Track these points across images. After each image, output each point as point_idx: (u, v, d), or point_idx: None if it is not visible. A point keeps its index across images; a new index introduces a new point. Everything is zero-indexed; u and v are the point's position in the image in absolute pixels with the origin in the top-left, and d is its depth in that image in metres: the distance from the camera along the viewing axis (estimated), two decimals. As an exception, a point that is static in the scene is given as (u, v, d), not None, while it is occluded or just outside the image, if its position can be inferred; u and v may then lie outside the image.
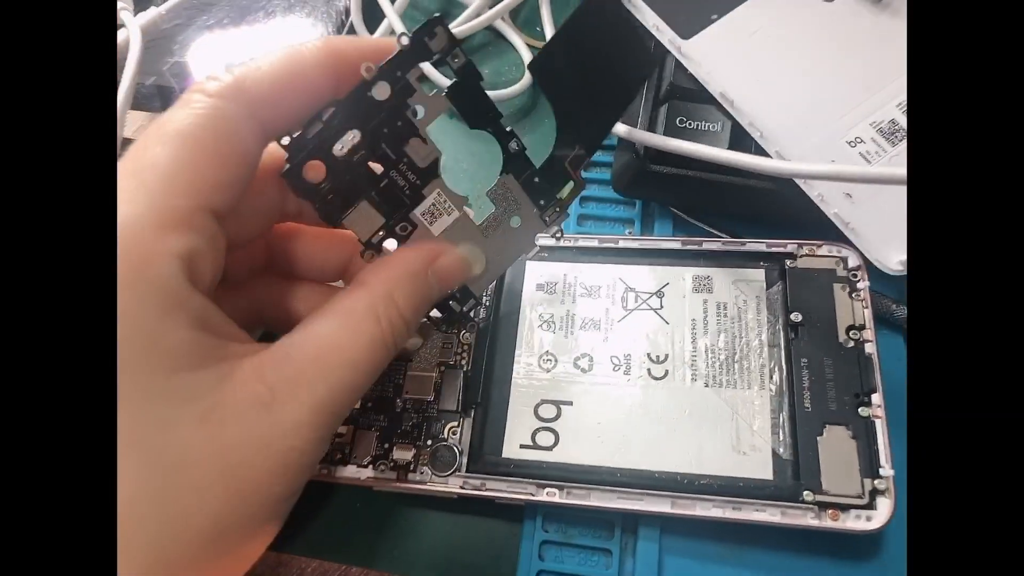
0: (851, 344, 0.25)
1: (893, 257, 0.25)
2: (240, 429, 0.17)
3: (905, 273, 0.25)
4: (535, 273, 0.28)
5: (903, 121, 0.27)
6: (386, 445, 0.26)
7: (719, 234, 0.28)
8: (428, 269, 0.22)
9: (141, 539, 0.16)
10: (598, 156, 0.31)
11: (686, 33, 0.29)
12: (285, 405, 0.18)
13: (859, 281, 0.26)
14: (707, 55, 0.28)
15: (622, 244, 0.28)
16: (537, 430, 0.25)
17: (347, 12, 0.35)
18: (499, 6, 0.34)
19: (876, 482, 0.23)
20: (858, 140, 0.27)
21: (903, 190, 0.26)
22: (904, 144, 0.26)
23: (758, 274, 0.27)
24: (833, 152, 0.26)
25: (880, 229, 0.26)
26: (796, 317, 0.26)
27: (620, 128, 0.28)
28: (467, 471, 0.25)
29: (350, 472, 0.25)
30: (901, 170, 0.22)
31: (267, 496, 0.18)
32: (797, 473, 0.23)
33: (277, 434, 0.18)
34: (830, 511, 0.23)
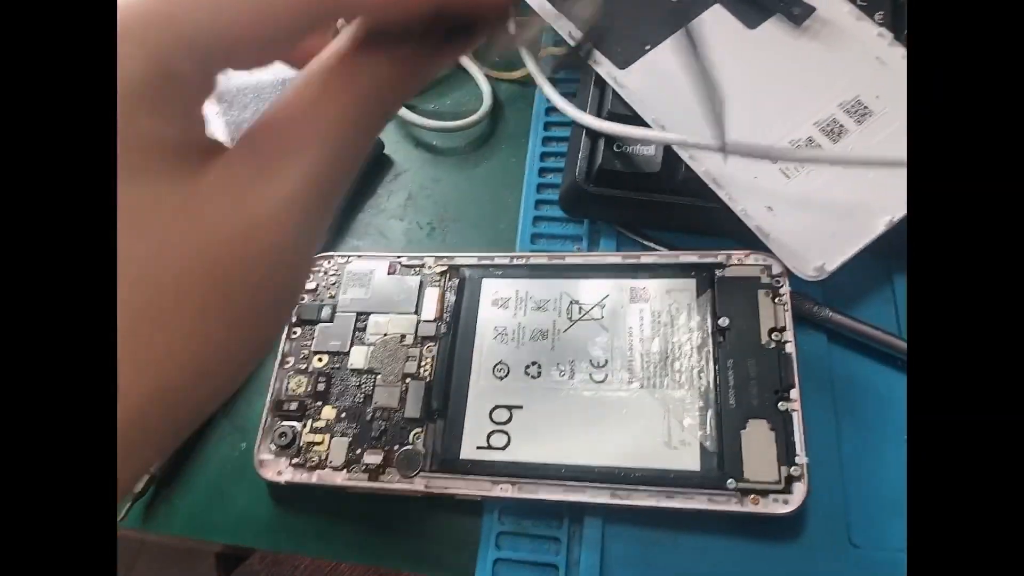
0: (772, 345, 0.27)
1: (809, 264, 0.28)
2: (220, 213, 0.15)
3: (820, 279, 0.28)
4: (490, 290, 0.31)
5: (822, 139, 0.29)
6: (358, 451, 0.29)
7: (657, 247, 0.31)
8: None
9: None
10: (550, 178, 0.34)
11: (622, 63, 0.31)
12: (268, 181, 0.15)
13: (781, 287, 0.28)
14: (641, 83, 0.31)
15: (568, 260, 0.31)
16: (491, 432, 0.28)
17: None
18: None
19: (792, 469, 0.25)
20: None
21: (820, 205, 0.28)
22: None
23: (689, 284, 0.29)
24: (757, 169, 0.29)
25: (798, 240, 0.28)
26: (723, 322, 0.28)
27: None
28: (430, 472, 0.28)
29: (326, 476, 0.28)
30: (900, 154, 0.24)
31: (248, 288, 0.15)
32: (722, 464, 0.26)
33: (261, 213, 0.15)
34: (751, 496, 0.25)
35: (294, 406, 0.30)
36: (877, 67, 0.30)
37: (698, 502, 0.25)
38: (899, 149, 0.28)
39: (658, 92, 0.31)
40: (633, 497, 0.26)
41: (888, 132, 0.29)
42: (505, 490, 0.27)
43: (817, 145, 0.29)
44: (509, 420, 0.28)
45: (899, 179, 0.28)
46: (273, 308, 0.16)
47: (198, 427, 0.30)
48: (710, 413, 0.27)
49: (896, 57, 0.30)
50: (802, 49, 0.31)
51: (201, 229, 0.15)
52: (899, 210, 0.28)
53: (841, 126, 0.29)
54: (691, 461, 0.26)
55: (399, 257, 0.32)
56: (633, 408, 0.27)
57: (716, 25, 0.32)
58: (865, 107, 0.29)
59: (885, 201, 0.28)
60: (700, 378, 0.27)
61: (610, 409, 0.28)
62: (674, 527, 0.27)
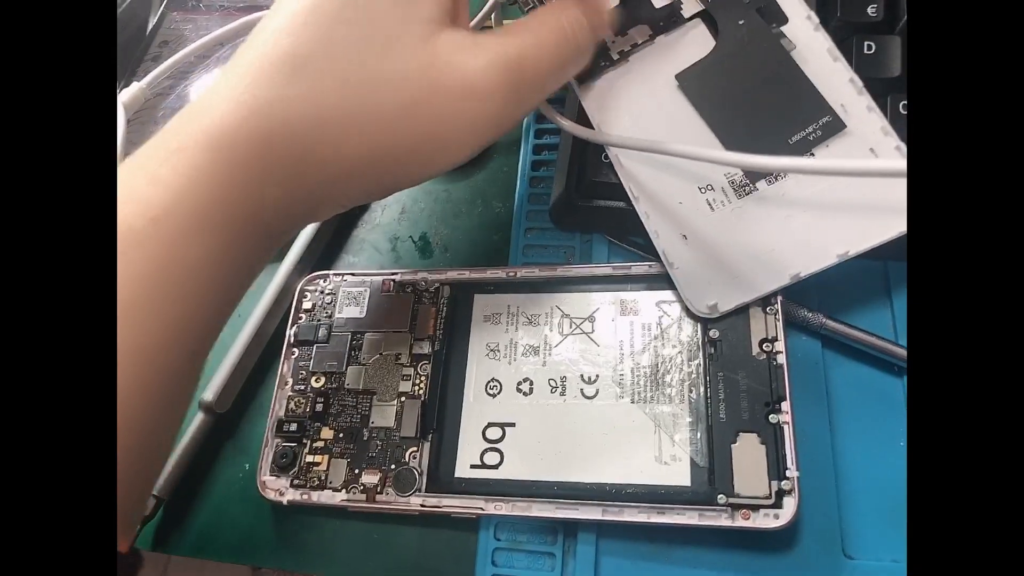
0: (763, 356, 0.27)
1: (703, 301, 0.28)
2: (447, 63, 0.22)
3: (710, 316, 0.28)
4: (482, 306, 0.31)
5: (759, 182, 0.28)
6: (356, 471, 0.29)
7: (649, 257, 0.31)
8: None
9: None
10: (542, 188, 0.34)
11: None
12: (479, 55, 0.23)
13: (773, 296, 0.28)
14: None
15: (559, 273, 0.31)
16: (485, 451, 0.28)
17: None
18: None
19: (782, 483, 0.25)
20: (708, 187, 0.28)
21: (735, 245, 0.27)
22: (750, 200, 0.28)
23: (680, 295, 0.29)
24: (684, 195, 0.28)
25: (700, 274, 0.28)
26: (714, 334, 0.28)
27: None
28: (426, 491, 0.28)
29: (326, 496, 0.29)
30: (901, 163, 0.23)
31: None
32: (712, 479, 0.26)
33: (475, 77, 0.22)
34: (742, 511, 0.25)
35: (294, 427, 0.30)
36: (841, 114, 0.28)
37: (689, 518, 0.26)
38: (825, 205, 0.27)
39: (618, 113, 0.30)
40: (624, 514, 0.26)
41: (824, 186, 0.27)
42: (499, 508, 0.27)
43: (752, 188, 0.28)
44: (502, 438, 0.28)
45: (818, 235, 0.27)
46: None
47: (203, 450, 0.31)
48: (700, 427, 0.27)
49: (860, 108, 0.28)
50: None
51: None
52: (809, 266, 0.27)
53: (749, 182, 0.28)
54: (682, 476, 0.26)
55: (393, 274, 0.33)
56: (624, 424, 0.27)
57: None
58: (811, 155, 0.27)
59: (799, 255, 0.27)
60: (691, 392, 0.27)
61: (601, 425, 0.28)
62: (667, 541, 0.27)
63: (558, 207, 0.32)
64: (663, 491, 0.26)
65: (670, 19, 0.29)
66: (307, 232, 0.34)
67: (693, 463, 0.26)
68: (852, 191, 0.27)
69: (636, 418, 0.27)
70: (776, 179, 0.28)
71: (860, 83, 0.28)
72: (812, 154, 0.27)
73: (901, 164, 0.23)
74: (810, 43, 0.28)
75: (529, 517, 0.27)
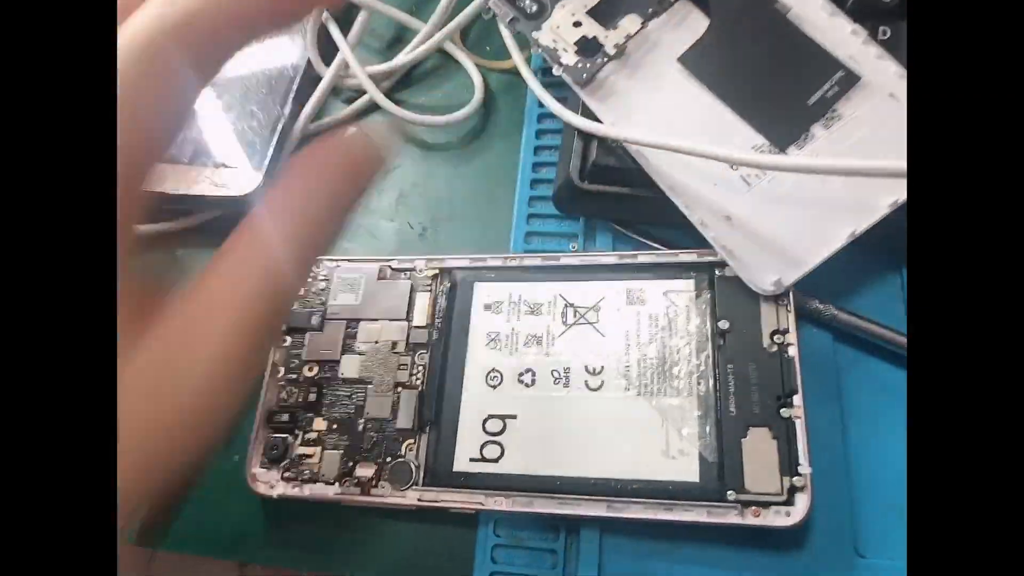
0: (774, 348, 0.26)
1: (767, 279, 0.27)
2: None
3: (777, 292, 0.27)
4: (483, 294, 0.30)
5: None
6: (350, 463, 0.28)
7: (654, 246, 0.30)
8: None
9: None
10: (545, 173, 0.33)
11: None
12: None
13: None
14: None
15: (563, 261, 0.30)
16: (485, 443, 0.27)
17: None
18: (447, 27, 0.36)
19: (795, 479, 0.24)
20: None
21: (781, 216, 0.27)
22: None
23: (688, 284, 0.28)
24: (717, 176, 0.27)
25: (755, 252, 0.27)
26: (723, 324, 0.27)
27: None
28: (423, 485, 0.27)
29: (319, 490, 0.28)
30: (901, 163, 0.22)
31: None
32: (722, 474, 0.25)
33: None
34: (752, 508, 0.24)
35: (285, 417, 0.29)
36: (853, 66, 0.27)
37: (697, 514, 0.25)
38: (867, 155, 0.26)
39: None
40: (630, 510, 0.25)
41: (857, 138, 0.27)
42: (499, 503, 0.26)
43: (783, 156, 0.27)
44: (503, 431, 0.27)
45: (864, 187, 0.26)
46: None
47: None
48: (709, 421, 0.26)
49: (870, 58, 0.27)
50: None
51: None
52: (862, 221, 0.26)
53: (779, 150, 0.27)
54: (690, 472, 0.25)
55: (389, 261, 0.32)
56: (630, 417, 0.26)
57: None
58: (834, 111, 0.27)
59: (848, 213, 0.26)
60: (699, 384, 0.26)
61: (606, 418, 0.27)
62: (673, 538, 0.26)
63: (562, 193, 0.31)
64: (671, 487, 0.25)
65: (658, 4, 0.28)
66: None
67: (702, 458, 0.25)
68: (891, 142, 0.26)
69: (643, 411, 0.26)
70: (806, 141, 0.27)
71: (864, 33, 0.27)
72: (835, 111, 0.27)
73: (901, 164, 0.22)
74: (804, 2, 0.28)
75: (530, 513, 0.26)
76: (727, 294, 0.28)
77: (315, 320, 0.31)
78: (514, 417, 0.27)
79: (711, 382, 0.26)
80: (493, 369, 0.28)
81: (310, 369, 0.30)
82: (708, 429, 0.26)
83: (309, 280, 0.32)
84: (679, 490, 0.25)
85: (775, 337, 0.27)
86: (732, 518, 0.24)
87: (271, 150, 0.34)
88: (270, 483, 0.28)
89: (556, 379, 0.28)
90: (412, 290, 0.31)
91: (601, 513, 0.25)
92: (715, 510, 0.25)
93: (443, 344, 0.29)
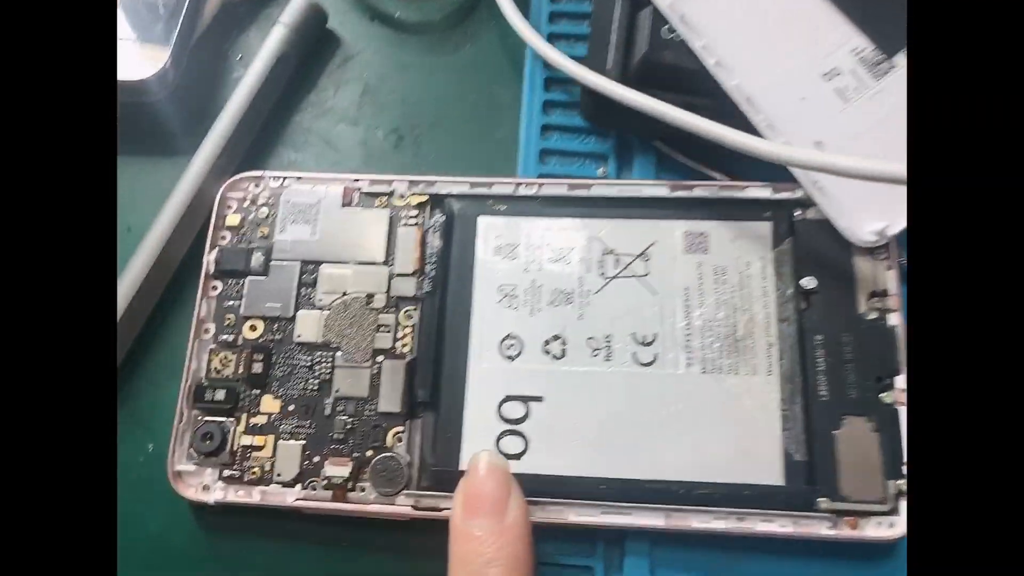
0: (873, 315, 0.21)
1: (866, 226, 0.21)
2: None
3: (879, 244, 0.21)
4: (489, 232, 0.22)
5: (861, 74, 0.21)
6: (315, 458, 0.21)
7: (713, 175, 0.23)
8: None
9: None
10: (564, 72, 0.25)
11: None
12: None
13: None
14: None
15: (596, 191, 0.23)
16: (502, 434, 0.21)
17: None
18: None
19: (900, 483, 0.19)
20: (835, 72, 0.21)
21: (887, 142, 0.21)
22: (890, 79, 0.21)
23: (763, 228, 0.22)
24: (805, 88, 0.21)
25: (854, 190, 0.21)
26: (808, 283, 0.21)
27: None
28: (418, 487, 0.20)
29: (273, 494, 0.21)
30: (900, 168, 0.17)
31: None
32: (811, 476, 0.20)
33: None
34: (847, 519, 0.19)
35: (220, 394, 0.21)
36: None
37: (779, 525, 0.20)
38: None
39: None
40: (694, 520, 0.20)
41: None
42: (523, 512, 0.20)
43: (890, 65, 0.21)
44: (525, 417, 0.21)
45: None
46: None
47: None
48: (795, 408, 0.20)
49: None
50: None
51: None
52: None
53: (885, 56, 0.21)
54: (770, 473, 0.20)
55: (357, 180, 0.23)
56: (692, 401, 0.21)
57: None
58: None
59: None
60: (781, 360, 0.21)
61: (662, 402, 0.21)
62: (742, 549, 0.21)
63: (593, 98, 0.23)
64: (747, 492, 0.20)
65: None
66: (227, 114, 0.24)
67: (786, 455, 0.20)
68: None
69: (708, 393, 0.21)
70: (886, 73, 0.21)
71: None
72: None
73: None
74: None
75: (566, 525, 0.20)
76: (812, 243, 0.22)
77: (256, 261, 0.23)
78: (539, 399, 0.21)
79: (796, 357, 0.21)
80: (509, 335, 0.21)
81: (252, 328, 0.22)
82: (794, 418, 0.20)
83: (247, 204, 0.23)
84: (758, 496, 0.20)
85: (873, 300, 0.21)
86: (823, 530, 0.19)
87: (180, 21, 0.25)
88: (203, 484, 0.21)
89: (594, 350, 0.21)
90: (392, 223, 0.23)
91: (658, 524, 0.20)
92: (802, 520, 0.19)
93: (438, 299, 0.22)
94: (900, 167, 0.18)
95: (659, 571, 0.20)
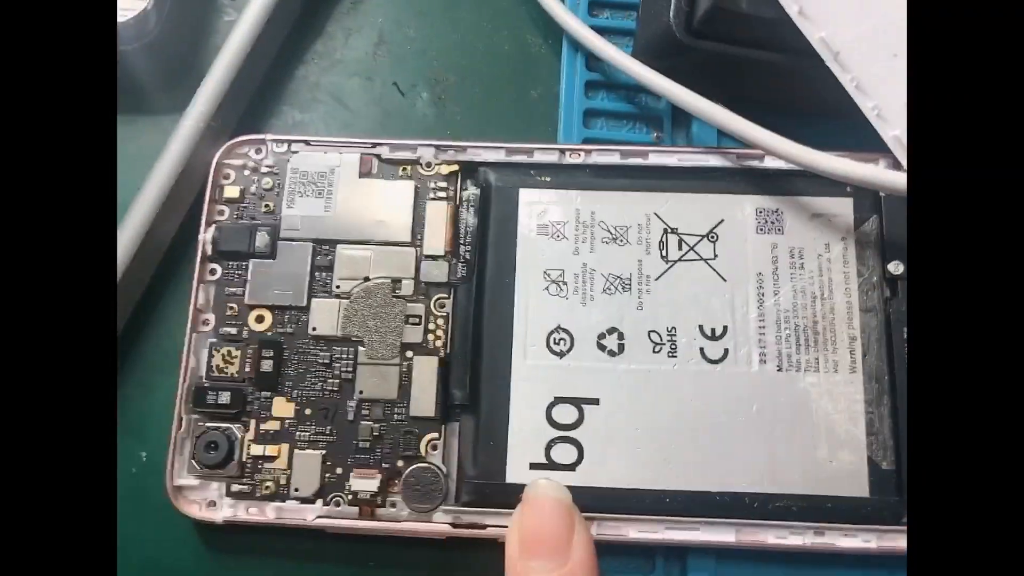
0: (968, 305, 0.18)
1: None
2: None
3: None
4: (534, 207, 0.20)
5: None
6: (338, 470, 0.18)
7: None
8: None
9: None
10: (611, 18, 0.22)
11: None
12: None
13: (977, 213, 0.19)
14: None
15: (653, 159, 0.20)
16: (552, 442, 0.18)
17: None
18: None
19: (999, 494, 0.17)
20: None
21: None
22: None
23: (844, 205, 0.19)
24: (900, 43, 0.18)
25: None
26: (895, 268, 0.19)
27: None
28: (458, 503, 0.18)
29: (291, 512, 0.18)
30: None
31: None
32: (900, 487, 0.18)
33: None
34: (940, 534, 0.17)
35: (225, 397, 0.19)
36: None
37: (863, 540, 0.18)
38: None
39: None
40: (769, 535, 0.18)
41: None
42: (577, 529, 0.18)
43: None
44: (579, 422, 0.18)
45: None
46: None
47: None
48: (881, 410, 0.18)
49: None
50: None
51: None
52: None
53: None
54: (854, 483, 0.18)
55: (375, 145, 0.20)
56: (766, 402, 0.18)
57: None
58: None
59: None
60: (865, 356, 0.18)
61: (733, 403, 0.18)
62: (817, 564, 0.19)
63: (655, 47, 0.20)
64: (829, 504, 0.18)
65: None
66: (220, 65, 0.20)
67: (872, 463, 0.18)
68: None
69: (784, 394, 0.18)
70: None
71: None
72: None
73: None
74: None
75: (626, 541, 0.18)
76: (900, 223, 0.19)
77: (261, 240, 0.19)
78: (595, 402, 0.18)
79: (881, 352, 0.18)
80: (558, 327, 0.19)
81: (258, 320, 0.19)
82: (879, 421, 0.18)
83: (247, 173, 0.20)
84: (840, 509, 0.18)
85: (968, 288, 0.19)
86: (912, 547, 0.17)
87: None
88: (208, 501, 0.18)
89: (656, 345, 0.19)
90: (418, 196, 0.20)
91: (727, 540, 0.18)
92: (888, 535, 0.17)
93: (475, 285, 0.19)
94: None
95: (725, 589, 0.18)
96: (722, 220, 0.19)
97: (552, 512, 0.15)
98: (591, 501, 0.17)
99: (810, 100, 0.20)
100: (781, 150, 0.18)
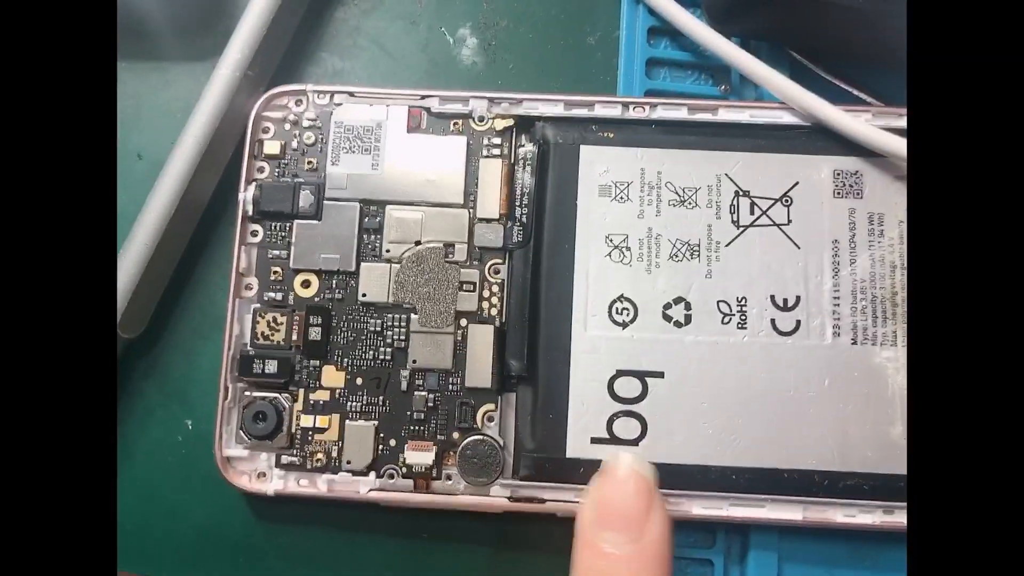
0: (1057, 276, 0.17)
1: None
2: None
3: None
4: (594, 167, 0.18)
5: None
6: (392, 442, 0.18)
7: (866, 97, 0.19)
8: None
9: None
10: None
11: None
12: None
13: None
14: None
15: (723, 115, 0.18)
16: (615, 416, 0.17)
17: None
18: None
19: (1079, 473, 0.17)
20: None
21: None
22: None
23: (929, 167, 0.18)
24: None
25: None
26: (982, 235, 0.18)
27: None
28: (516, 476, 0.17)
29: (342, 484, 0.17)
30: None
31: None
32: (977, 465, 0.17)
33: None
34: (1016, 513, 0.17)
35: (272, 366, 0.18)
36: None
37: (935, 520, 0.17)
38: None
39: None
40: (838, 514, 0.17)
41: None
42: (639, 505, 0.17)
43: None
44: (643, 396, 0.17)
45: None
46: None
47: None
48: (961, 386, 0.17)
49: None
50: None
51: None
52: None
53: None
54: (929, 461, 0.17)
55: (424, 98, 0.19)
56: (840, 377, 0.17)
57: None
58: None
59: None
60: (946, 329, 0.17)
61: (804, 379, 0.17)
62: (883, 541, 0.18)
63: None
64: (902, 484, 0.17)
65: None
66: (257, 8, 0.19)
67: (949, 442, 0.17)
68: None
69: (859, 368, 0.17)
70: None
71: None
72: None
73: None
74: None
75: (689, 518, 0.17)
76: (988, 186, 0.18)
77: (305, 200, 0.18)
78: (660, 375, 0.17)
79: (963, 326, 0.17)
80: (621, 296, 0.18)
81: (304, 285, 0.18)
82: (958, 398, 0.17)
83: (287, 128, 0.19)
84: (914, 488, 0.17)
85: (1058, 258, 0.17)
86: (986, 526, 0.17)
87: None
88: (258, 472, 0.18)
89: (725, 316, 0.18)
90: (470, 153, 0.19)
91: (795, 518, 0.17)
92: (962, 515, 0.17)
93: (532, 251, 0.18)
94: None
95: (786, 565, 0.18)
96: (797, 183, 0.18)
97: (632, 485, 0.14)
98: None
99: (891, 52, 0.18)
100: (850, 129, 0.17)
